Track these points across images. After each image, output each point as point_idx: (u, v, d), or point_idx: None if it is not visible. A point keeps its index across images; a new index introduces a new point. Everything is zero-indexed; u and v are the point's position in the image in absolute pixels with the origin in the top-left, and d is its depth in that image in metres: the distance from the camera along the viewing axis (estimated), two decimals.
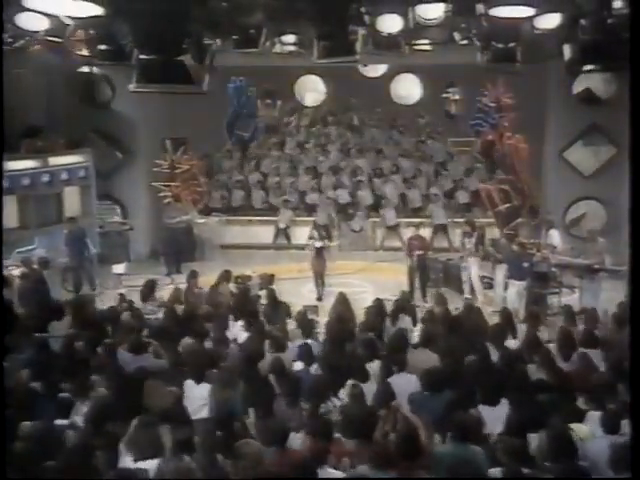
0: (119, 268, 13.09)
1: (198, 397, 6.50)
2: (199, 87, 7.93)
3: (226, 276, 10.78)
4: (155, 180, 15.53)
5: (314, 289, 12.96)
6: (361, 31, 8.92)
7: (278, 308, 9.59)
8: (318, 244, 12.90)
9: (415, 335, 8.52)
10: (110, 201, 15.25)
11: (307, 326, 8.57)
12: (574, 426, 5.29)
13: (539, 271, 11.10)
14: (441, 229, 15.79)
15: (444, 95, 17.88)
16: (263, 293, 10.38)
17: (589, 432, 5.27)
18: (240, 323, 8.84)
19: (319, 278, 12.86)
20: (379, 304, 9.41)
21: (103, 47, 8.92)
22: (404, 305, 9.57)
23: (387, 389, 6.24)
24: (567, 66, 8.91)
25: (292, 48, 11.67)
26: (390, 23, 8.98)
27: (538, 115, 15.30)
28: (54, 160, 13.39)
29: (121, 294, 9.90)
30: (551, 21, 8.39)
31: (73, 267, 12.59)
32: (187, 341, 7.91)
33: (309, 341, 8.04)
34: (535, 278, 11.04)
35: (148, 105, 15.25)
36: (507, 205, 14.33)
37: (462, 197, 16.62)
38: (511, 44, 8.61)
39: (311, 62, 10.35)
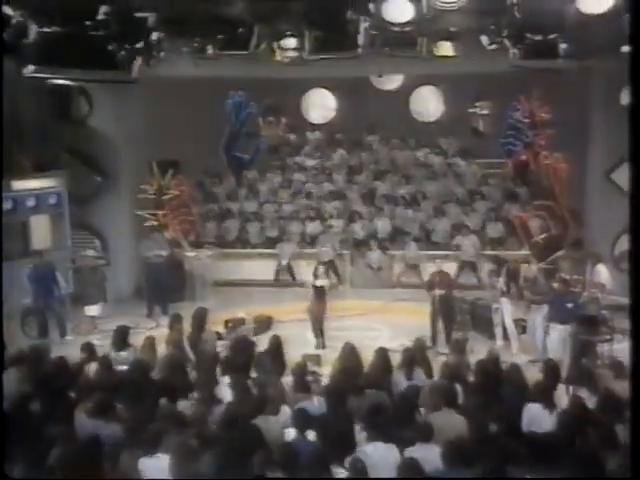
0: (92, 310, 12.41)
1: None
2: (125, 74, 6.90)
3: (200, 318, 9.89)
4: (140, 208, 14.95)
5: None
6: (364, 23, 8.11)
7: (277, 359, 8.82)
8: (318, 282, 12.07)
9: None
10: (87, 232, 14.61)
11: (304, 382, 7.83)
12: None
13: (587, 314, 10.28)
14: (468, 265, 15.13)
15: (471, 110, 17.21)
16: (260, 339, 9.74)
17: None
18: (227, 379, 8.09)
19: (317, 324, 12.02)
20: (383, 354, 8.62)
21: None
22: (416, 355, 8.78)
23: (413, 464, 5.46)
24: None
25: (294, 54, 11.17)
26: (399, 10, 7.98)
27: (580, 130, 14.57)
28: (19, 184, 12.84)
29: (87, 343, 9.14)
30: (602, 3, 7.29)
31: (37, 309, 11.95)
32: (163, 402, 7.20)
33: (307, 403, 7.30)
34: (582, 322, 10.20)
35: (131, 121, 14.95)
36: (544, 235, 13.66)
37: (494, 228, 15.85)
38: (551, 35, 7.74)
39: (320, 73, 9.75)
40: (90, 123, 14.43)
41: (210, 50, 11.98)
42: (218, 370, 8.41)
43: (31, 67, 6.67)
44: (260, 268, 15.96)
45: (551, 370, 8.02)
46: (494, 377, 8.00)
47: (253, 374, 8.47)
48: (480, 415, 6.66)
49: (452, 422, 6.57)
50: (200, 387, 7.74)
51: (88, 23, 6.27)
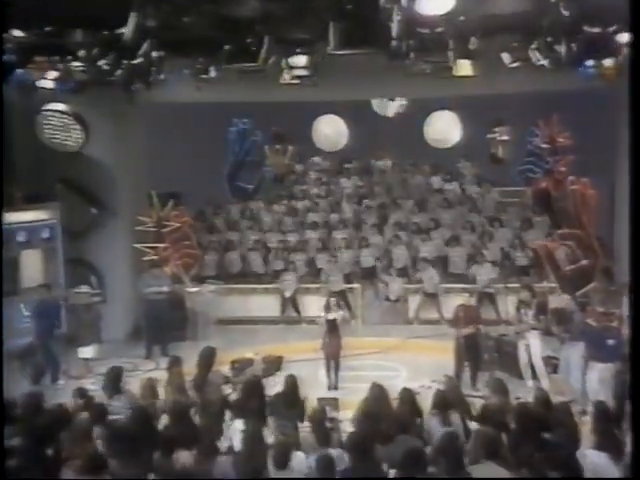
0: (86, 351, 11.67)
1: None
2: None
3: (208, 358, 9.16)
4: (138, 241, 14.34)
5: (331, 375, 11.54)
6: (397, 16, 7.31)
7: (294, 403, 8.09)
8: (331, 316, 11.40)
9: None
10: (81, 267, 13.92)
11: (323, 429, 7.09)
12: None
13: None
14: (487, 297, 14.44)
15: (490, 136, 16.65)
16: (270, 381, 9.20)
17: None
18: (239, 425, 7.42)
19: (333, 362, 11.39)
20: (408, 396, 7.95)
21: None
22: (452, 397, 8.01)
23: None
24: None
25: (303, 72, 10.63)
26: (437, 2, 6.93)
27: (609, 152, 13.89)
28: (9, 217, 12.22)
29: (79, 388, 8.38)
30: None
31: (37, 348, 11.29)
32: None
33: (330, 451, 6.60)
34: (626, 360, 9.40)
35: (130, 150, 14.45)
36: (573, 267, 12.94)
37: (515, 258, 15.18)
38: (611, 27, 6.84)
39: (330, 96, 9.04)
40: (85, 152, 13.77)
41: (213, 72, 11.57)
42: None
43: None
44: (266, 304, 15.32)
45: (603, 413, 7.26)
46: (543, 422, 7.27)
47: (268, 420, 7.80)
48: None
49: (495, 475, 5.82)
50: (207, 436, 7.01)
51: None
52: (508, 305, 13.16)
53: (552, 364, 11.29)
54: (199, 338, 13.52)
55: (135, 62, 9.84)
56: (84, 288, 12.53)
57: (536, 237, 15.21)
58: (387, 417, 7.67)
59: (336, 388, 11.12)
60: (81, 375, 11.37)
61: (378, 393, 8.00)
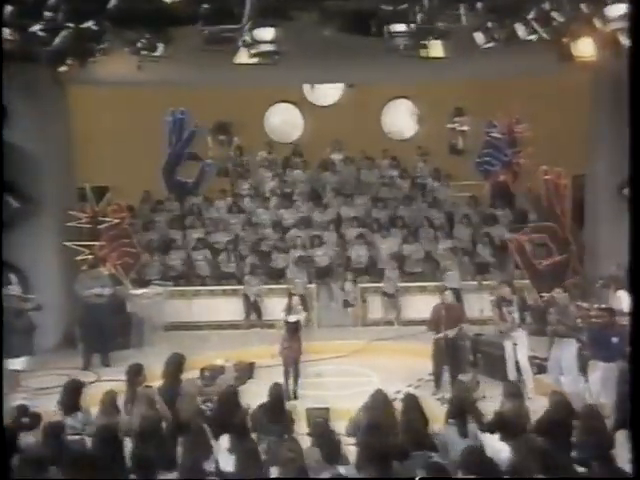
0: (16, 363, 10.28)
1: None
2: None
3: (177, 365, 8.09)
4: (70, 239, 13.02)
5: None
6: None
7: (280, 415, 7.16)
8: (292, 318, 10.60)
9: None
10: (3, 268, 12.33)
11: (331, 443, 6.17)
12: None
13: None
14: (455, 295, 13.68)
15: (449, 125, 16.06)
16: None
17: None
18: (224, 443, 6.50)
19: (292, 368, 10.57)
20: (414, 403, 7.09)
21: None
22: (465, 403, 7.22)
23: None
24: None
25: (269, 47, 9.66)
26: None
27: (585, 138, 13.43)
28: None
29: (21, 405, 7.09)
30: None
31: None
32: None
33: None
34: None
35: (57, 136, 13.14)
36: (548, 261, 12.46)
37: (481, 253, 14.60)
38: None
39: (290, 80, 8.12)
40: (5, 137, 12.23)
41: (161, 48, 10.52)
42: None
43: None
44: (215, 307, 14.29)
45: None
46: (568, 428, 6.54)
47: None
48: None
49: None
50: (191, 455, 6.07)
51: None
52: (483, 303, 12.50)
53: (536, 364, 10.74)
54: (145, 345, 12.52)
55: (83, 26, 8.66)
56: (13, 290, 11.03)
57: (499, 232, 14.73)
58: (392, 428, 6.83)
59: (296, 397, 10.30)
60: (10, 389, 9.95)
61: (383, 402, 7.16)
